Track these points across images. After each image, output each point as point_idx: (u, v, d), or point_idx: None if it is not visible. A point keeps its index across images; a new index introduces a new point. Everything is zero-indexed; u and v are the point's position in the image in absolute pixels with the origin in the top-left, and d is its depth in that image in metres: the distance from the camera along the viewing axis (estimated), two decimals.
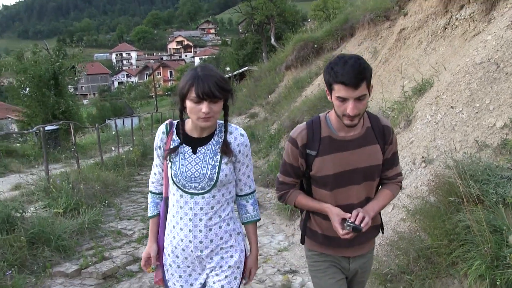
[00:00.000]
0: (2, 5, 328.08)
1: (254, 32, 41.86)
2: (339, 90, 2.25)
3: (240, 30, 54.02)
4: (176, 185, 2.44)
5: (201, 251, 2.48)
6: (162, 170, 2.61)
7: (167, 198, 2.60)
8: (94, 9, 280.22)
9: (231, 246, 2.54)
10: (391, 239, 4.67)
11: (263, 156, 12.04)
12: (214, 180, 2.43)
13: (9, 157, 14.52)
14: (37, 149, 14.74)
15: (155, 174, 2.66)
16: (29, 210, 6.03)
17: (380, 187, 2.65)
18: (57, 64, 17.74)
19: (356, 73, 2.20)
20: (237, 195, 2.67)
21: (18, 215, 5.48)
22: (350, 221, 2.33)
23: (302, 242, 2.80)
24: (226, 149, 2.47)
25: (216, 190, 2.46)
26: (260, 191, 9.36)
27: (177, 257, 2.53)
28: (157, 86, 73.12)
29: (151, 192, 2.70)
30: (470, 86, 5.48)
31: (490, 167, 4.20)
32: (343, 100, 2.26)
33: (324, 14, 38.22)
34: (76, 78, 20.12)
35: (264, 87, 19.49)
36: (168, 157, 2.47)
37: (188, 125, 2.51)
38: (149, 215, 2.71)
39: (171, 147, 2.49)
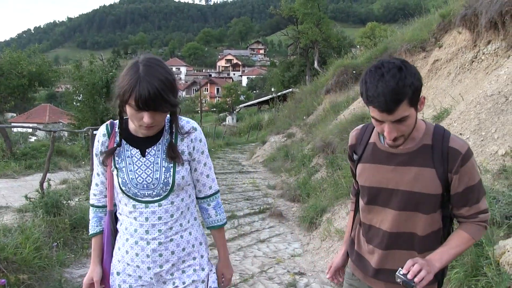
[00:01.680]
0: (67, 17, 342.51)
1: (300, 55, 42.72)
2: (372, 111, 1.87)
3: (288, 53, 54.88)
4: (126, 194, 2.13)
5: (161, 266, 2.18)
6: (106, 179, 2.25)
7: (111, 212, 2.27)
8: (149, 24, 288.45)
9: (194, 258, 2.27)
10: None
11: (295, 174, 12.57)
12: (170, 185, 2.14)
13: (59, 156, 15.69)
14: (84, 151, 15.77)
15: (96, 185, 2.30)
16: (73, 200, 6.82)
17: (456, 227, 2.10)
18: (110, 74, 19.00)
19: (390, 95, 1.77)
20: (196, 198, 2.39)
21: (65, 202, 6.25)
22: (401, 273, 1.86)
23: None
24: (172, 154, 2.16)
25: (174, 195, 2.17)
26: (286, 204, 9.92)
27: (129, 275, 2.21)
28: (203, 101, 74.57)
29: (93, 206, 2.33)
30: (479, 116, 5.92)
31: (486, 189, 4.64)
32: (379, 121, 1.88)
33: (371, 42, 38.66)
34: None
35: (303, 109, 20.01)
36: (113, 163, 2.16)
37: (120, 124, 2.20)
38: (90, 232, 2.33)
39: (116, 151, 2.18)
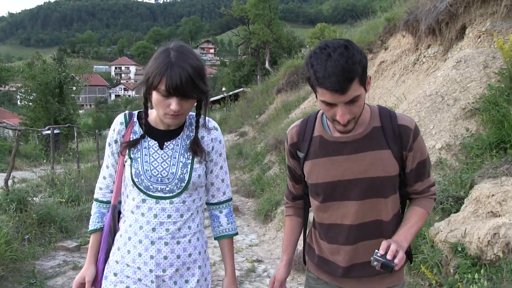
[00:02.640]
0: (8, 12, 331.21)
1: (251, 55, 43.25)
2: (323, 94, 1.72)
3: (239, 52, 55.37)
4: (138, 187, 2.01)
5: (164, 271, 2.03)
6: (116, 172, 2.13)
7: (115, 207, 2.14)
8: (97, 22, 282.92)
9: (199, 267, 2.13)
10: None
11: (248, 171, 12.98)
12: (185, 181, 2.02)
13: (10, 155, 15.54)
14: (38, 150, 15.71)
15: (104, 178, 2.18)
16: (37, 197, 7.02)
17: (409, 204, 2.09)
18: (63, 74, 18.93)
19: (342, 74, 1.65)
20: (208, 203, 2.25)
21: (30, 199, 6.45)
22: (378, 255, 1.77)
23: (304, 261, 2.30)
24: (196, 148, 2.07)
25: (187, 194, 2.05)
26: (241, 200, 10.33)
27: (127, 277, 2.07)
28: None
29: (97, 200, 2.20)
30: (419, 114, 6.50)
31: None
32: (330, 105, 1.74)
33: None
34: (78, 88, 21.25)
35: (255, 108, 20.47)
36: (128, 153, 2.05)
37: (153, 115, 2.10)
38: (90, 228, 2.18)
39: (131, 139, 2.08)
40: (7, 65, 30.89)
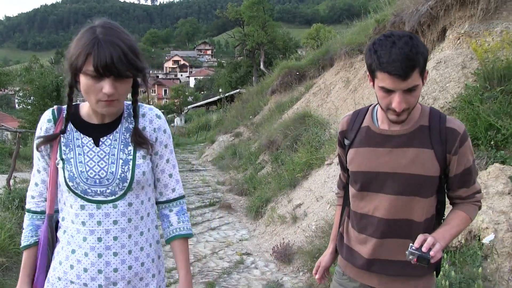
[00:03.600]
0: (5, 15, 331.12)
1: (246, 57, 43.58)
2: (383, 80, 1.77)
3: (235, 54, 55.68)
4: (74, 191, 1.76)
5: (115, 284, 1.82)
6: (48, 177, 1.86)
7: (51, 216, 1.88)
8: None
9: (153, 276, 1.93)
10: None
11: (242, 170, 13.26)
12: (128, 181, 1.80)
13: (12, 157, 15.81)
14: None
15: (36, 184, 1.89)
16: None
17: (452, 208, 2.06)
18: (61, 77, 19.24)
19: (406, 61, 1.71)
20: (156, 202, 2.02)
21: None
22: (413, 248, 1.75)
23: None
24: (139, 139, 1.85)
25: (133, 195, 1.83)
26: (234, 198, 10.61)
27: None
28: (151, 103, 74.28)
29: (29, 211, 1.92)
30: None
31: None
32: (388, 91, 1.79)
33: (316, 43, 39.90)
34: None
35: (250, 109, 20.71)
36: (59, 154, 1.80)
37: (85, 108, 1.87)
38: (23, 244, 1.89)
39: (63, 139, 1.83)
40: (6, 68, 31.22)
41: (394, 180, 1.93)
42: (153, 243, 1.93)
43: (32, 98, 19.54)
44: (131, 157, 1.82)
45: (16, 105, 33.04)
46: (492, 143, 5.09)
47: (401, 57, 1.71)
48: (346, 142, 2.14)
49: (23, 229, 1.95)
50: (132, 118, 1.88)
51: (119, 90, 1.67)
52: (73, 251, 1.80)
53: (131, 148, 1.84)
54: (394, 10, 9.98)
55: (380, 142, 1.99)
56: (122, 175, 1.79)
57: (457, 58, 6.81)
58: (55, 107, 1.91)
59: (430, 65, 7.31)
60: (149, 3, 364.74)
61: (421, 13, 7.73)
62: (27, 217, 1.93)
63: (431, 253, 1.72)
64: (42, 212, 1.90)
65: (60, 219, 1.86)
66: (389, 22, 10.18)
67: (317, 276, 2.38)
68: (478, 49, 5.88)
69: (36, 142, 1.82)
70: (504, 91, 5.40)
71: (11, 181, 6.99)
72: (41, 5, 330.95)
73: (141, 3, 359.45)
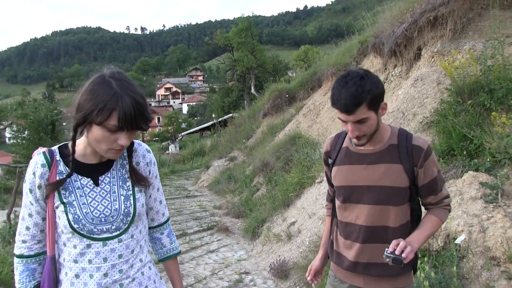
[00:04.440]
0: None
1: (237, 81, 44.15)
2: (338, 113, 2.17)
3: (227, 79, 56.25)
4: (79, 233, 1.82)
5: None
6: (43, 220, 1.89)
7: (54, 258, 1.90)
8: (84, 56, 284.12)
9: None
10: None
11: (238, 194, 13.54)
12: (131, 215, 1.91)
13: (8, 193, 16.08)
14: None
15: (27, 228, 1.90)
16: None
17: (425, 213, 2.38)
18: (55, 111, 19.62)
19: (351, 99, 2.06)
20: (148, 228, 2.16)
21: None
22: (388, 252, 2.08)
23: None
24: (138, 177, 1.98)
25: (134, 227, 1.94)
26: (232, 221, 10.91)
27: None
28: (146, 132, 74.24)
29: (21, 256, 1.92)
30: None
31: None
32: (344, 121, 2.18)
33: (305, 64, 40.52)
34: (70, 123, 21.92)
35: (243, 133, 21.02)
36: (58, 197, 1.83)
37: (78, 148, 1.90)
38: None
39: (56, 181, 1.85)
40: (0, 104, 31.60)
41: (370, 192, 2.28)
42: (151, 265, 2.06)
43: (26, 132, 19.77)
44: (131, 192, 1.94)
45: (7, 140, 33.17)
46: (465, 153, 5.48)
47: (348, 96, 2.07)
48: (330, 161, 2.50)
49: (14, 275, 1.95)
50: (125, 155, 1.99)
51: (130, 139, 1.80)
52: None
53: (129, 183, 1.95)
54: (374, 32, 10.44)
55: (357, 160, 2.34)
56: (126, 210, 1.88)
57: (432, 75, 7.23)
58: (45, 149, 1.92)
59: (408, 82, 7.73)
60: (139, 32, 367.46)
61: (397, 35, 8.18)
62: (19, 263, 1.93)
63: (403, 255, 2.04)
64: (37, 255, 1.93)
65: (59, 262, 1.90)
66: (370, 43, 10.63)
67: (309, 278, 2.71)
68: (448, 67, 6.29)
69: (46, 190, 1.83)
70: (474, 104, 5.80)
71: (11, 216, 7.25)
72: (30, 39, 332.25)
73: (131, 32, 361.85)
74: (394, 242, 2.10)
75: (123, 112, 1.66)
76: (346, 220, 2.40)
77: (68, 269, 1.86)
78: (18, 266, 1.93)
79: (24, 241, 1.92)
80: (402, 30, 8.02)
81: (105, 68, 1.83)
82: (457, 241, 4.13)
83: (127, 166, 1.98)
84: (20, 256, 1.92)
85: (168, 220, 2.23)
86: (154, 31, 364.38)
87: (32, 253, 1.92)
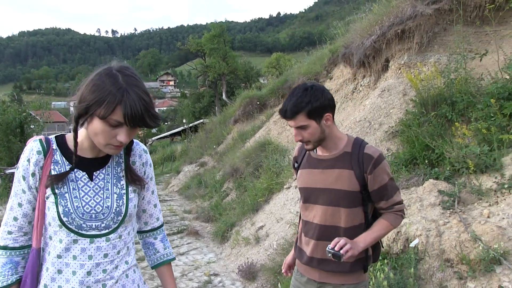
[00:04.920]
0: None
1: (209, 87, 44.19)
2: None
3: (198, 84, 56.22)
4: (67, 227, 1.76)
5: None
6: (33, 210, 1.82)
7: (40, 250, 1.84)
8: (53, 58, 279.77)
9: None
10: None
11: (208, 199, 13.61)
12: (122, 214, 1.86)
13: None
14: (1, 189, 16.03)
15: (15, 219, 1.82)
16: None
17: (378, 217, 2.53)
18: (24, 114, 19.38)
19: (291, 107, 2.33)
20: (140, 232, 2.13)
21: None
22: (330, 247, 2.26)
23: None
24: (133, 177, 1.94)
25: (123, 227, 1.89)
26: (201, 225, 11.01)
27: None
28: None
29: (6, 248, 1.83)
30: None
31: None
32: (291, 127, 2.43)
33: (276, 72, 40.82)
34: (39, 127, 21.61)
35: (213, 139, 21.07)
36: (51, 188, 1.78)
37: (72, 141, 1.86)
38: (2, 285, 1.82)
39: (54, 172, 1.80)
40: None
41: (324, 194, 2.49)
42: (136, 269, 2.00)
43: None
44: (124, 191, 1.89)
45: None
46: (427, 162, 5.74)
47: (289, 105, 2.36)
48: (296, 165, 2.75)
49: None
50: (121, 153, 1.94)
51: (130, 137, 1.75)
52: None
53: (123, 182, 1.90)
54: (344, 43, 10.72)
55: (315, 164, 2.57)
56: (117, 209, 1.83)
57: (398, 87, 7.52)
58: (41, 137, 1.84)
59: (376, 93, 8.01)
60: (110, 35, 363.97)
61: (366, 46, 8.46)
62: (3, 254, 1.83)
63: (341, 251, 2.23)
64: (22, 248, 1.85)
65: (43, 255, 1.85)
66: (341, 53, 10.91)
67: (283, 270, 2.94)
68: (413, 80, 6.57)
69: (48, 181, 1.77)
70: (437, 115, 6.08)
71: None
72: None
73: (102, 35, 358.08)
74: (336, 239, 2.29)
75: (129, 108, 1.61)
76: (306, 219, 2.61)
77: (50, 264, 1.80)
78: (1, 258, 1.82)
79: (9, 232, 1.82)
80: (371, 42, 8.31)
81: (113, 62, 1.80)
82: (412, 244, 4.38)
83: (123, 165, 1.93)
84: (4, 248, 1.82)
85: (162, 225, 2.18)
86: (126, 34, 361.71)
87: (17, 245, 1.83)
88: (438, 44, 7.37)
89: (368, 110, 7.69)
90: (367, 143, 2.51)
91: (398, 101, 7.30)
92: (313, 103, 2.33)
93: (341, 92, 11.36)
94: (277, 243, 6.66)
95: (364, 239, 2.39)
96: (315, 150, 2.61)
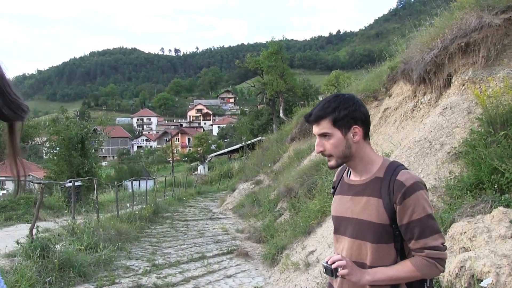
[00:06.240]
0: (37, 70, 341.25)
1: (267, 105, 44.22)
2: None
3: (257, 101, 56.48)
4: None
5: None
6: None
7: None
8: (119, 76, 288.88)
9: None
10: None
11: (261, 218, 13.40)
12: None
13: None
14: (61, 202, 16.41)
15: None
16: (58, 245, 7.59)
17: None
18: (85, 130, 19.93)
19: (316, 111, 2.17)
20: None
21: (51, 246, 7.03)
22: (324, 262, 2.09)
23: None
24: None
25: None
26: (253, 246, 10.73)
27: None
28: (175, 151, 75.18)
29: None
30: (409, 159, 6.94)
31: None
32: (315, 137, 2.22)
33: (336, 89, 40.39)
34: (99, 142, 22.12)
35: (270, 157, 20.94)
36: None
37: None
38: None
39: None
40: (35, 119, 32.19)
41: (352, 224, 2.18)
42: None
43: (57, 148, 20.16)
44: None
45: (44, 155, 33.96)
46: (496, 186, 5.19)
47: (316, 109, 2.19)
48: (332, 190, 2.48)
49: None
50: None
51: None
52: None
53: None
54: (403, 58, 10.23)
55: (346, 190, 2.29)
56: None
57: (462, 104, 6.97)
58: None
59: (437, 111, 7.48)
60: (173, 54, 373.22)
61: (426, 61, 7.95)
62: None
63: (333, 265, 2.02)
64: None
65: None
66: (400, 70, 10.41)
67: None
68: (480, 96, 6.04)
69: None
70: (507, 136, 5.53)
71: (34, 230, 7.27)
72: (70, 59, 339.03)
73: (165, 54, 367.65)
74: (333, 255, 2.10)
75: None
76: (337, 252, 2.30)
77: None
78: None
79: None
80: (431, 57, 7.80)
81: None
82: (483, 284, 3.84)
83: None
84: None
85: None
86: (188, 53, 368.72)
87: None
88: (508, 57, 6.77)
89: (429, 129, 7.16)
90: (405, 168, 2.18)
91: (462, 120, 6.76)
92: (340, 111, 2.13)
93: (400, 110, 10.83)
94: None
95: (374, 272, 2.07)
96: (348, 175, 2.35)
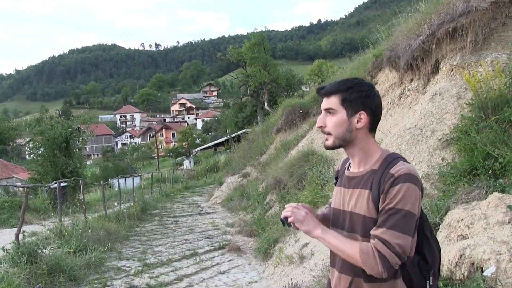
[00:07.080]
0: (15, 69, 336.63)
1: (251, 97, 44.12)
2: None
3: (241, 94, 56.31)
4: None
5: None
6: None
7: None
8: (100, 73, 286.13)
9: None
10: None
11: (251, 211, 13.30)
12: None
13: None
14: (47, 204, 16.13)
15: None
16: (46, 249, 7.40)
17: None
18: (70, 129, 19.63)
19: (331, 85, 2.12)
20: None
21: (39, 251, 6.83)
22: (282, 216, 2.20)
23: None
24: None
25: None
26: (244, 240, 10.63)
27: None
28: (160, 147, 74.74)
29: None
30: (400, 147, 6.87)
31: None
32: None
33: (319, 79, 40.35)
34: (83, 141, 21.81)
35: (256, 149, 20.81)
36: None
37: None
38: None
39: None
40: (15, 120, 31.76)
41: (348, 218, 2.11)
42: None
43: (41, 149, 19.84)
44: None
45: (27, 156, 33.52)
46: (490, 172, 5.14)
47: (331, 84, 2.14)
48: (335, 181, 2.38)
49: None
50: None
51: None
52: None
53: None
54: (389, 45, 10.14)
55: (345, 183, 2.20)
56: None
57: (451, 90, 6.92)
58: None
59: (426, 97, 7.42)
60: (153, 49, 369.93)
61: (413, 48, 7.88)
62: None
63: (282, 215, 2.18)
64: None
65: None
66: (386, 57, 10.34)
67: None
68: (471, 80, 5.98)
69: None
70: (499, 120, 5.48)
71: (20, 235, 7.06)
72: (49, 57, 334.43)
73: (145, 49, 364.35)
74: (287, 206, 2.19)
75: None
76: None
77: None
78: None
79: None
80: (419, 43, 7.72)
81: None
82: (486, 273, 3.77)
83: None
84: None
85: None
86: (169, 47, 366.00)
87: None
88: (496, 41, 6.72)
89: (418, 116, 7.10)
90: (401, 161, 2.04)
91: (452, 106, 6.70)
92: (353, 92, 2.08)
93: (387, 98, 10.76)
94: (323, 263, 6.15)
95: (328, 232, 2.07)
96: (348, 167, 2.24)
